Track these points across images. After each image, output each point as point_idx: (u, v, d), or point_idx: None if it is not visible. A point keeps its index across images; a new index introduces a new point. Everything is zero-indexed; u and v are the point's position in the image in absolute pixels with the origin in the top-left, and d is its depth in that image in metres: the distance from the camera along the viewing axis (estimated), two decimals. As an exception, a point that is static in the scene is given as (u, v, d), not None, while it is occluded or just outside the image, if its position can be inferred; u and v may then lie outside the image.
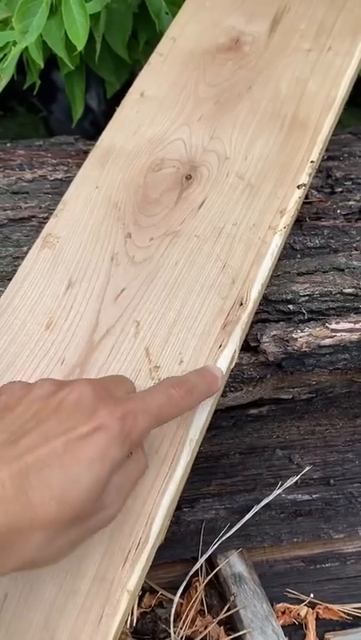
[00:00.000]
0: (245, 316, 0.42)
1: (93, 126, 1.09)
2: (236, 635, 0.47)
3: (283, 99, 0.51)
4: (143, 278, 0.44)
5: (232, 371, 0.44)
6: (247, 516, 0.50)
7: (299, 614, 0.51)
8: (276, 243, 0.45)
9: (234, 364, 0.41)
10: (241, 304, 0.43)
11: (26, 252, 0.53)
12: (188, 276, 0.44)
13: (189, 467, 0.39)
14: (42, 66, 0.75)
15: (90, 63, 0.84)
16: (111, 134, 0.51)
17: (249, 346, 0.46)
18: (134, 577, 0.35)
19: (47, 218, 0.58)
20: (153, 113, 0.52)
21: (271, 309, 0.47)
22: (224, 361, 0.41)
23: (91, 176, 0.49)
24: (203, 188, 0.48)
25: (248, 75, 0.53)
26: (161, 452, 0.38)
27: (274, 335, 0.45)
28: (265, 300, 0.47)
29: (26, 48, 0.72)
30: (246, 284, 0.43)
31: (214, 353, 0.41)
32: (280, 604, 0.52)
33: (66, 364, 0.41)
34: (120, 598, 0.35)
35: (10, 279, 0.52)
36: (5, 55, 0.74)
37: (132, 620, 0.36)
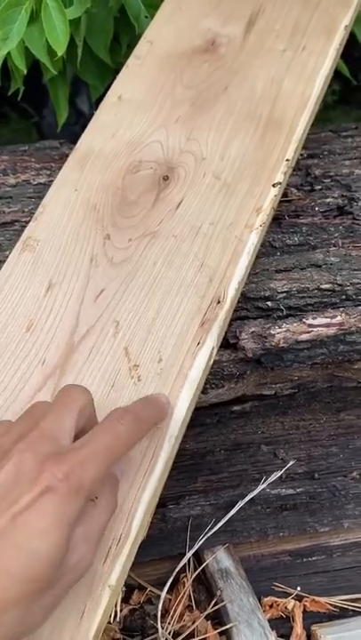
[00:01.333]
0: (223, 313, 0.43)
1: (82, 128, 1.09)
2: (223, 628, 0.47)
3: (258, 99, 0.52)
4: (122, 279, 0.45)
5: (212, 368, 0.44)
6: (232, 512, 0.51)
7: (286, 607, 0.51)
8: (253, 241, 0.45)
9: (212, 360, 0.42)
10: (218, 302, 0.43)
11: (8, 256, 0.54)
12: (167, 275, 0.45)
13: (170, 462, 0.40)
14: (25, 72, 0.75)
15: (73, 68, 0.85)
16: (89, 137, 0.52)
17: (228, 343, 0.46)
18: (115, 572, 0.36)
19: (29, 222, 0.58)
20: (131, 115, 0.52)
21: (250, 307, 0.47)
22: (202, 358, 0.42)
23: (70, 179, 0.50)
24: (180, 188, 0.48)
25: (224, 76, 0.54)
26: (141, 448, 0.39)
27: (252, 332, 0.45)
28: (243, 298, 0.47)
29: (9, 54, 0.73)
30: (223, 282, 0.44)
31: (193, 350, 0.42)
32: (267, 598, 0.52)
33: (46, 365, 0.42)
34: (102, 593, 0.35)
35: (-8, 283, 0.52)
36: (-11, 62, 0.75)
37: (116, 615, 0.36)
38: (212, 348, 0.42)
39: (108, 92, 0.54)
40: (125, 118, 0.52)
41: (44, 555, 0.28)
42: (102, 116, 0.53)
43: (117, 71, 0.91)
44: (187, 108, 0.52)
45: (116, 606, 0.36)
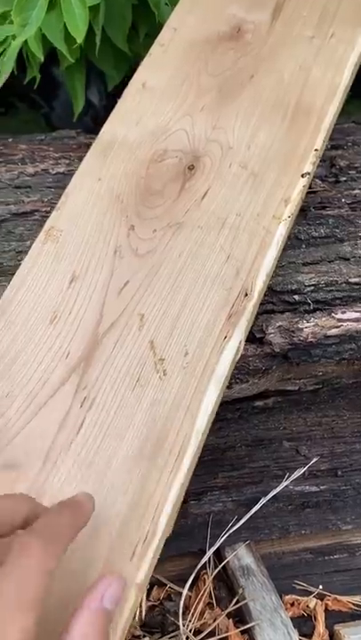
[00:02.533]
0: (251, 306, 0.42)
1: (94, 121, 1.08)
2: (245, 627, 0.46)
3: (286, 87, 0.51)
4: (147, 271, 0.44)
5: (237, 362, 0.43)
6: (255, 509, 0.50)
7: (308, 606, 0.51)
8: (281, 232, 0.44)
9: (240, 355, 0.41)
10: (246, 295, 0.42)
11: (29, 247, 0.53)
12: (192, 267, 0.44)
13: (196, 458, 0.39)
14: (42, 59, 0.74)
15: (90, 56, 0.84)
16: (113, 126, 0.51)
17: (254, 337, 0.45)
18: (142, 570, 0.35)
19: (50, 212, 0.57)
20: (155, 103, 0.51)
21: (276, 300, 0.46)
22: (229, 352, 0.41)
23: (93, 168, 0.49)
24: (206, 178, 0.47)
25: (250, 63, 0.53)
26: (167, 445, 0.38)
27: (280, 326, 0.44)
28: (270, 291, 0.46)
29: (25, 42, 0.72)
30: (251, 274, 0.43)
31: (219, 344, 0.41)
32: (289, 596, 0.51)
33: (71, 358, 0.41)
34: (128, 592, 0.35)
35: (13, 274, 0.51)
36: (5, 50, 0.74)
37: (140, 613, 0.36)
38: (240, 342, 0.41)
39: (132, 80, 0.53)
40: (149, 106, 0.51)
41: None
42: (126, 103, 0.52)
43: (135, 61, 0.91)
44: (212, 97, 0.51)
45: (140, 604, 0.35)
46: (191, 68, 0.53)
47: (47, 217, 0.56)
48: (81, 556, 0.35)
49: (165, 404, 0.39)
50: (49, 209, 0.57)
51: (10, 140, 0.70)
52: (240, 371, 0.46)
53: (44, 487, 0.37)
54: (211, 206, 0.46)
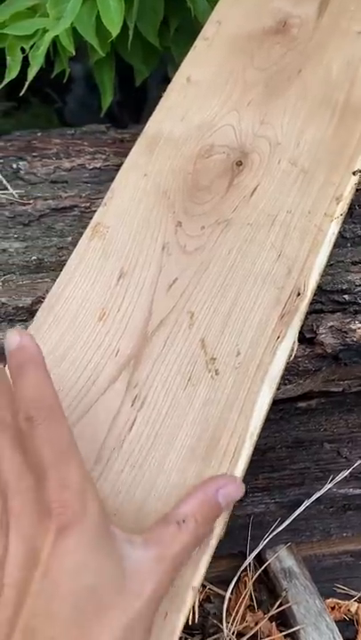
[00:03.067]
0: (303, 306, 0.41)
1: (108, 117, 1.08)
2: (290, 631, 0.46)
3: (334, 83, 0.50)
4: (196, 268, 0.43)
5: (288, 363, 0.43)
6: (298, 510, 0.49)
7: (349, 610, 0.50)
8: (333, 230, 0.44)
9: (293, 355, 0.40)
10: (298, 294, 0.42)
11: (70, 243, 0.52)
12: (242, 265, 0.43)
13: (249, 460, 0.38)
14: (73, 53, 0.73)
15: (120, 50, 0.83)
16: (158, 120, 0.50)
17: (304, 337, 0.45)
18: (199, 573, 0.35)
19: (89, 207, 0.57)
20: (200, 98, 0.50)
21: (325, 300, 0.46)
22: (283, 352, 0.40)
23: (138, 163, 0.48)
24: (254, 174, 0.46)
25: (297, 58, 0.52)
26: (221, 446, 0.37)
27: (331, 326, 0.44)
28: (319, 290, 0.45)
29: (56, 35, 0.71)
30: (303, 273, 0.42)
31: (272, 344, 0.40)
32: (329, 600, 0.51)
33: (120, 355, 0.40)
34: (185, 595, 0.34)
35: (54, 269, 0.51)
36: (35, 43, 0.73)
37: (193, 616, 0.35)
38: (293, 343, 0.40)
39: (176, 74, 0.52)
40: (195, 101, 0.50)
41: (94, 589, 0.27)
42: (171, 98, 0.51)
43: (164, 55, 0.90)
44: (259, 92, 0.50)
45: (193, 608, 0.35)
46: (236, 63, 0.52)
47: (87, 212, 0.56)
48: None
49: (218, 404, 0.39)
50: (88, 204, 0.56)
51: (39, 134, 0.69)
52: (289, 372, 0.45)
53: (98, 484, 0.37)
54: (260, 203, 0.45)
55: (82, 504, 0.28)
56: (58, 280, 0.43)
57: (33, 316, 0.46)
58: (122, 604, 0.28)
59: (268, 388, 0.39)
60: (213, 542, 0.35)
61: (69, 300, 0.42)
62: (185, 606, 0.34)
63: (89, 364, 0.40)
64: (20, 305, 0.47)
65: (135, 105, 1.09)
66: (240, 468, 0.37)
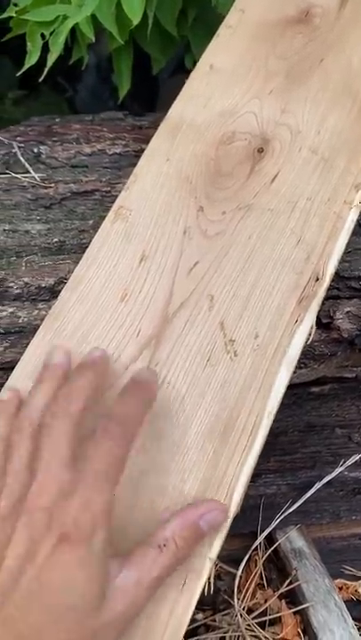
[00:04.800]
0: (322, 291, 0.42)
1: (119, 106, 1.09)
2: (299, 608, 0.47)
3: (355, 73, 0.50)
4: (216, 252, 0.44)
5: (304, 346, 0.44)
6: (309, 493, 0.50)
7: (356, 590, 0.51)
8: (352, 218, 0.44)
9: (311, 339, 0.41)
10: (317, 279, 0.42)
11: (91, 226, 0.53)
12: (262, 250, 0.44)
13: (265, 439, 0.40)
14: (93, 40, 0.74)
15: (138, 39, 0.83)
16: (180, 107, 0.51)
17: (320, 322, 0.45)
18: (215, 546, 0.36)
19: (109, 192, 0.58)
20: (223, 85, 0.51)
21: (342, 286, 0.46)
22: (301, 336, 0.41)
23: (161, 149, 0.49)
24: (275, 161, 0.47)
25: (319, 48, 0.52)
26: (239, 424, 0.39)
27: (348, 312, 0.44)
28: (336, 277, 0.46)
29: (76, 22, 0.71)
30: (322, 259, 0.43)
31: (290, 328, 0.41)
32: (337, 580, 0.52)
33: (142, 336, 0.41)
34: (203, 566, 0.35)
35: (75, 252, 0.52)
36: (55, 29, 0.73)
37: (209, 589, 0.36)
38: (311, 327, 0.41)
39: (200, 61, 0.53)
40: (217, 88, 0.51)
41: (75, 606, 0.28)
42: (193, 85, 0.52)
43: (181, 44, 0.90)
44: (281, 80, 0.51)
45: (208, 578, 0.36)
46: (259, 51, 0.53)
47: (107, 197, 0.57)
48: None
49: (236, 385, 0.40)
50: (108, 189, 0.57)
51: (58, 119, 0.70)
52: (305, 355, 0.46)
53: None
54: (281, 190, 0.46)
55: (92, 530, 0.29)
56: (81, 261, 0.44)
57: (55, 296, 0.47)
58: (95, 620, 0.29)
59: (286, 370, 0.40)
60: (228, 521, 0.36)
61: (93, 280, 0.43)
62: (202, 577, 0.35)
63: (111, 343, 0.41)
64: (43, 285, 0.48)
65: (147, 95, 1.09)
66: (257, 446, 0.38)
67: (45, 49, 0.72)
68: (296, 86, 0.50)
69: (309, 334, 0.41)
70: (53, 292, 0.48)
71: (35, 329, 0.43)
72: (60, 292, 0.44)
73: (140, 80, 0.93)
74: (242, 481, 0.37)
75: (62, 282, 0.48)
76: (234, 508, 0.36)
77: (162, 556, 0.31)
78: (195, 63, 0.90)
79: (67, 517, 0.29)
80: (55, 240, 0.52)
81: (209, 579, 0.36)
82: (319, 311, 0.45)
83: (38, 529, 0.29)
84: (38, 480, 0.31)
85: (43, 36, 0.73)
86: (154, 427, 0.39)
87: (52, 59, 0.73)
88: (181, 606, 0.34)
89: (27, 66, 0.73)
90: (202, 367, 0.40)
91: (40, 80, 0.72)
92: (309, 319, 0.41)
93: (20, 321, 0.46)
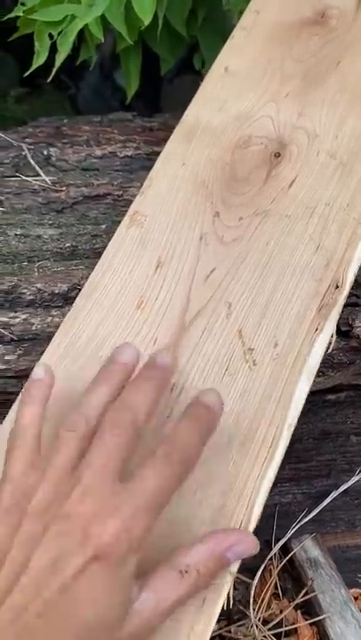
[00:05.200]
0: (342, 298, 0.41)
1: (122, 105, 1.08)
2: (315, 619, 0.46)
3: (373, 75, 0.50)
4: (233, 259, 0.43)
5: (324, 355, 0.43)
6: (325, 502, 0.49)
7: (372, 601, 0.51)
8: (372, 224, 0.44)
9: (331, 348, 0.41)
10: (337, 287, 0.42)
11: (104, 231, 0.52)
12: (280, 257, 0.43)
13: (285, 451, 0.39)
14: (102, 40, 0.73)
15: (147, 39, 0.83)
16: (196, 110, 0.50)
17: (339, 330, 0.45)
18: (237, 561, 0.35)
19: (121, 195, 0.57)
20: (238, 88, 0.50)
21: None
22: (321, 345, 0.40)
23: (177, 152, 0.48)
24: (293, 166, 0.46)
25: (336, 50, 0.51)
26: (259, 436, 0.38)
27: (367, 319, 0.44)
28: (355, 284, 0.45)
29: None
30: (342, 265, 0.42)
31: (310, 336, 0.40)
32: (353, 590, 0.51)
33: (158, 344, 0.41)
34: (223, 581, 0.35)
35: (88, 257, 0.51)
36: (63, 29, 0.73)
37: (229, 602, 0.36)
38: (332, 335, 0.41)
39: (214, 64, 0.52)
40: (232, 91, 0.50)
41: (96, 626, 0.27)
42: (209, 87, 0.51)
43: (190, 44, 0.89)
44: (297, 83, 0.50)
45: (228, 593, 0.35)
46: (274, 53, 0.52)
47: (119, 201, 0.56)
48: (173, 545, 0.35)
49: (256, 395, 0.39)
50: (120, 193, 0.56)
51: (66, 120, 0.69)
52: (323, 364, 0.45)
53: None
54: (298, 195, 0.45)
55: (126, 555, 0.28)
56: (96, 267, 0.44)
57: (68, 303, 0.46)
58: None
59: (306, 380, 0.39)
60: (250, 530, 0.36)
61: (108, 287, 0.43)
62: (222, 593, 0.34)
63: (128, 352, 0.40)
64: (56, 291, 0.47)
65: (151, 95, 1.08)
66: (278, 458, 0.37)
67: (52, 49, 0.72)
68: (313, 89, 0.50)
69: (330, 343, 0.41)
70: (67, 299, 0.47)
71: (49, 336, 0.43)
72: (73, 298, 0.44)
73: (145, 80, 0.92)
74: (262, 494, 0.37)
75: (76, 288, 0.47)
76: (254, 522, 0.36)
77: (182, 583, 0.30)
78: (203, 63, 0.89)
79: (105, 535, 0.28)
80: (67, 245, 0.51)
81: (228, 593, 0.36)
82: (338, 319, 0.45)
83: (73, 539, 0.28)
84: (83, 485, 0.29)
85: (51, 35, 0.72)
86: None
87: (60, 59, 0.72)
88: (202, 623, 0.34)
89: (35, 66, 0.72)
90: (220, 376, 0.40)
91: (48, 81, 0.71)
92: (330, 327, 0.41)
93: (34, 328, 0.45)
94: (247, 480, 0.37)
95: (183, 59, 0.95)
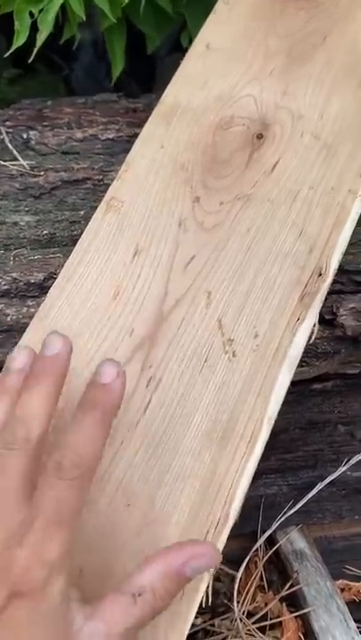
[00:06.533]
0: (325, 287, 0.40)
1: (116, 86, 1.05)
2: (300, 612, 0.46)
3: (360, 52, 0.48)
4: (213, 246, 0.42)
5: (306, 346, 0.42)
6: (311, 493, 0.49)
7: (359, 591, 0.50)
8: (357, 209, 0.42)
9: (313, 338, 0.39)
10: (320, 274, 0.40)
11: (82, 217, 0.51)
12: (262, 243, 0.42)
13: (264, 445, 0.38)
14: (83, 18, 0.71)
15: (131, 16, 0.80)
16: (175, 89, 0.48)
17: (323, 319, 0.43)
18: (213, 558, 0.34)
19: (102, 180, 0.55)
20: (220, 66, 0.48)
21: (346, 280, 0.44)
22: (302, 335, 0.39)
23: (155, 135, 0.46)
24: (276, 148, 0.45)
25: (322, 25, 0.49)
26: (238, 429, 0.37)
27: (352, 308, 0.42)
28: (340, 271, 0.44)
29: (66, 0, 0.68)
30: (325, 252, 0.41)
31: (292, 326, 0.39)
32: (339, 581, 0.51)
33: (135, 335, 0.39)
34: (199, 579, 0.34)
35: (66, 244, 0.50)
36: (44, 7, 0.70)
37: (207, 599, 0.35)
38: (314, 325, 0.39)
39: (195, 40, 0.50)
40: (214, 69, 0.48)
41: None
42: (189, 65, 0.49)
43: (177, 21, 0.86)
44: (282, 60, 0.48)
45: (207, 591, 0.34)
46: (258, 29, 0.50)
47: (99, 186, 0.54)
48: (150, 542, 0.34)
49: (235, 387, 0.38)
50: (101, 177, 0.54)
51: (49, 102, 0.67)
52: (307, 354, 0.44)
53: (110, 470, 0.36)
54: (281, 178, 0.43)
55: (46, 581, 0.26)
56: (71, 255, 0.42)
57: (45, 292, 0.44)
58: None
59: (287, 372, 0.38)
60: (226, 530, 0.35)
61: (83, 277, 0.41)
62: (199, 590, 0.33)
63: (103, 344, 0.39)
64: (32, 281, 0.46)
65: (144, 74, 1.05)
66: (257, 452, 0.36)
67: (36, 28, 0.69)
68: (298, 66, 0.48)
69: (311, 333, 0.39)
70: (43, 288, 0.45)
71: (23, 327, 0.41)
72: (49, 287, 0.42)
73: (136, 59, 0.89)
74: (241, 489, 0.36)
75: (52, 277, 0.46)
76: (232, 520, 0.35)
77: (135, 608, 0.27)
78: (191, 41, 0.86)
79: (16, 568, 0.25)
80: (45, 232, 0.49)
81: (207, 590, 0.35)
82: (322, 307, 0.43)
83: None
84: None
85: (32, 14, 0.70)
86: (147, 432, 0.37)
87: (41, 38, 0.69)
88: (180, 623, 0.33)
89: (15, 46, 0.70)
90: (199, 369, 0.38)
91: (29, 61, 0.68)
92: (312, 317, 0.39)
93: (9, 319, 0.44)
94: (225, 476, 0.36)
95: (176, 36, 0.92)
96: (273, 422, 0.37)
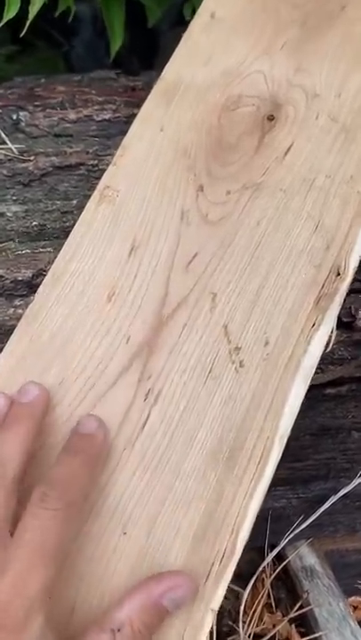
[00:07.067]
0: (343, 288, 0.36)
1: (116, 62, 1.00)
2: (312, 637, 0.43)
3: (384, 21, 0.43)
4: (219, 241, 0.38)
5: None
6: (324, 507, 0.45)
7: (373, 609, 0.47)
8: (380, 199, 0.38)
9: (331, 346, 0.35)
10: (338, 274, 0.36)
11: (75, 206, 0.46)
12: (274, 238, 0.37)
13: (276, 466, 0.34)
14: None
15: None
16: (177, 65, 0.43)
17: (341, 321, 0.39)
18: (218, 594, 0.31)
19: (96, 165, 0.51)
20: (226, 39, 0.43)
21: (365, 278, 0.40)
22: (318, 342, 0.35)
23: (154, 116, 0.41)
24: (288, 131, 0.40)
25: (340, -9, 0.44)
26: (246, 448, 0.33)
27: (373, 310, 0.38)
28: (359, 268, 0.40)
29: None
30: (344, 248, 0.37)
31: (306, 333, 0.35)
32: (352, 598, 0.48)
33: (131, 343, 0.35)
34: (204, 617, 0.30)
35: (57, 237, 0.45)
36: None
37: (212, 636, 0.32)
38: (331, 331, 0.35)
39: (199, 9, 0.45)
40: (220, 42, 0.43)
41: None
42: (192, 38, 0.44)
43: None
44: (295, 32, 0.43)
45: (211, 630, 0.31)
46: (269, -3, 0.45)
47: (94, 172, 0.50)
48: (147, 574, 0.31)
49: (243, 402, 0.34)
50: (96, 162, 0.50)
51: (43, 80, 0.62)
52: (322, 360, 0.40)
53: (104, 493, 0.32)
54: (295, 165, 0.39)
55: (26, 616, 0.25)
56: (62, 251, 0.38)
57: (33, 291, 0.40)
58: None
59: (302, 384, 0.34)
60: (233, 563, 0.31)
61: (75, 276, 0.37)
62: (202, 631, 0.30)
63: (97, 351, 0.35)
64: (20, 278, 0.42)
65: (146, 50, 1.00)
66: (268, 474, 0.33)
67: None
68: (313, 39, 0.43)
69: (329, 339, 0.35)
70: (32, 287, 0.41)
71: (10, 330, 0.37)
72: (38, 285, 0.38)
73: (137, 33, 0.85)
74: (250, 515, 0.32)
75: (42, 274, 0.41)
76: (239, 552, 0.31)
77: None
78: (194, 12, 0.81)
79: None
80: (34, 223, 0.45)
81: (211, 630, 0.32)
82: (340, 309, 0.39)
83: None
84: None
85: (23, -15, 0.65)
86: (145, 451, 0.33)
87: (33, 10, 0.64)
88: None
89: (5, 19, 0.65)
90: (202, 380, 0.34)
91: (21, 34, 0.64)
92: (329, 322, 0.35)
93: (-6, 321, 0.40)
94: (233, 500, 0.32)
95: (179, 8, 0.87)
96: (285, 441, 0.34)
